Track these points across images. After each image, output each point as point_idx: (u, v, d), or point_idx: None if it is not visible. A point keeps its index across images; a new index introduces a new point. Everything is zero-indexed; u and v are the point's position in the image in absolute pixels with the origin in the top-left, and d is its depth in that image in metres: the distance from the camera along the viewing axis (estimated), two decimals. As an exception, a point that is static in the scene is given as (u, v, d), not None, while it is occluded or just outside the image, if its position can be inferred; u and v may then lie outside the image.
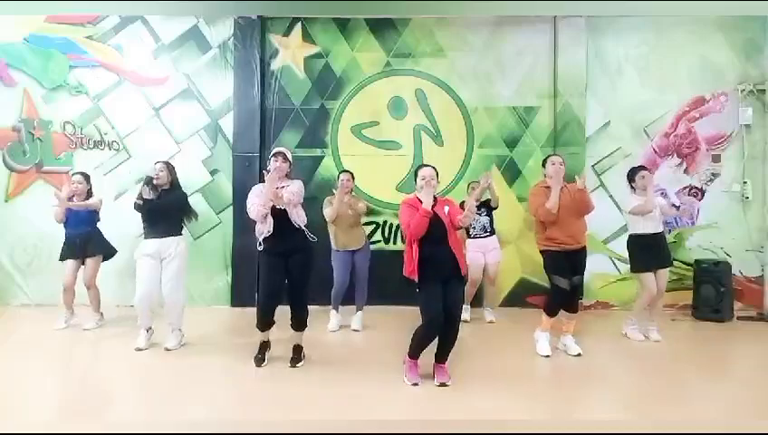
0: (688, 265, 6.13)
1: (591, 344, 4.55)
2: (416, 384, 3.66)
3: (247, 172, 6.10)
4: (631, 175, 5.00)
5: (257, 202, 3.88)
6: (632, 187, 4.99)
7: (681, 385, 3.74)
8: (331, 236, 5.20)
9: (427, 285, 3.64)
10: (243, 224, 6.07)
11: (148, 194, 4.38)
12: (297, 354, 4.12)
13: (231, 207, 6.25)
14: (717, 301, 5.65)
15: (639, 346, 4.70)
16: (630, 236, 4.98)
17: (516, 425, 2.99)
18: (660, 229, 4.94)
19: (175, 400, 3.44)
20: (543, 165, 4.53)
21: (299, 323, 4.09)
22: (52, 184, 6.18)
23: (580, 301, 4.62)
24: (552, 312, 4.40)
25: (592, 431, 2.91)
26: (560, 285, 4.32)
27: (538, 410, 3.25)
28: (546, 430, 2.98)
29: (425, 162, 6.25)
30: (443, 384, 3.65)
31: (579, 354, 4.33)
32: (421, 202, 3.68)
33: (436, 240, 3.67)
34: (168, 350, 4.38)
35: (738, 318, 5.76)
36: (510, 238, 6.22)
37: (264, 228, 3.93)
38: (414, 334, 3.74)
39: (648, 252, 4.82)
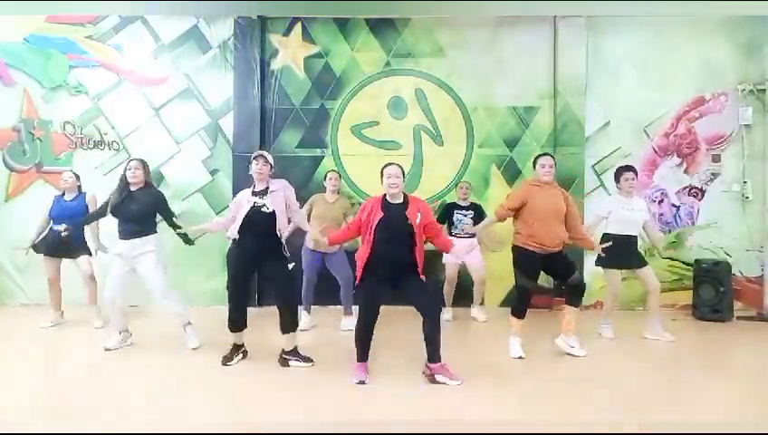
0: (688, 264, 6.14)
1: (591, 344, 4.54)
2: (361, 382, 3.59)
3: (247, 172, 6.03)
4: (617, 175, 4.95)
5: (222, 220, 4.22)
6: (617, 187, 4.94)
7: (681, 385, 3.73)
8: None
9: (370, 281, 3.61)
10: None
11: (116, 196, 4.39)
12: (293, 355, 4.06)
13: (231, 207, 6.26)
14: (717, 301, 5.65)
15: (639, 346, 4.70)
16: (604, 233, 4.88)
17: (516, 425, 2.98)
18: (633, 233, 4.86)
19: (173, 400, 3.43)
20: (534, 163, 4.42)
21: (289, 324, 4.00)
22: (52, 184, 6.20)
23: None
24: (520, 314, 4.30)
25: (592, 432, 2.91)
26: (527, 286, 4.25)
27: (538, 411, 3.24)
28: (546, 430, 2.98)
29: (424, 162, 6.35)
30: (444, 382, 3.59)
31: (585, 355, 4.30)
32: (383, 201, 3.67)
33: (398, 243, 3.55)
34: (195, 349, 4.43)
35: (738, 318, 5.76)
36: (509, 238, 6.18)
37: (231, 233, 4.01)
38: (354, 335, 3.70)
39: (614, 251, 4.71)
